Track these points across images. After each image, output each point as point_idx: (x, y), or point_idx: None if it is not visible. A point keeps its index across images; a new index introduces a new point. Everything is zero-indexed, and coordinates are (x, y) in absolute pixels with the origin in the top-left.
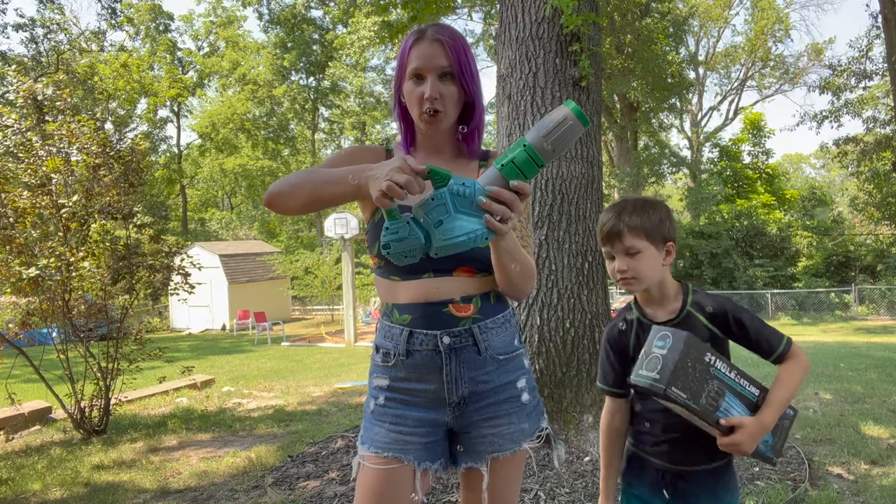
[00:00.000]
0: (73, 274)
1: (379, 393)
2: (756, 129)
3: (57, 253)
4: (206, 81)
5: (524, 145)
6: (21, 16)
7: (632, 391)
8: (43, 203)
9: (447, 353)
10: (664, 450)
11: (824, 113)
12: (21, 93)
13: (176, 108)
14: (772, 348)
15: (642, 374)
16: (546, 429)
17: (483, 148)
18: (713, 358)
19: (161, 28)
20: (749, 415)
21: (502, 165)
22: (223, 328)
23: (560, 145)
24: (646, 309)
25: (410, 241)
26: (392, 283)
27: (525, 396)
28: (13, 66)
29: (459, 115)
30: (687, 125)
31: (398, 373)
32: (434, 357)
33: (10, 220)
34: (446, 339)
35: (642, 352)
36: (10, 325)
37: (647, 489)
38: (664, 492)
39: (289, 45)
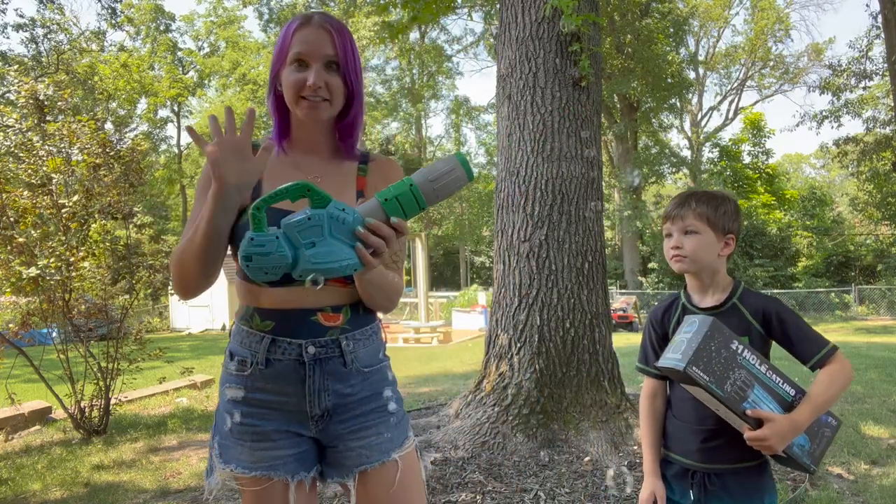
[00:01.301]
0: (74, 274)
1: (234, 408)
2: (756, 129)
3: (57, 253)
4: (206, 81)
5: (410, 185)
6: (21, 16)
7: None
8: (43, 203)
9: (311, 364)
10: (694, 447)
11: (824, 113)
12: (23, 93)
13: (176, 108)
14: (812, 352)
15: (668, 357)
16: (413, 439)
17: (360, 149)
18: (740, 347)
19: (162, 28)
20: (783, 413)
21: (385, 200)
22: (223, 328)
23: (444, 192)
24: (693, 295)
25: (276, 257)
26: (256, 287)
27: (392, 405)
28: (15, 67)
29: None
30: (687, 125)
31: (255, 383)
32: (297, 367)
33: (11, 220)
34: (311, 350)
35: (671, 339)
36: (10, 325)
37: (672, 490)
38: (690, 492)
39: None
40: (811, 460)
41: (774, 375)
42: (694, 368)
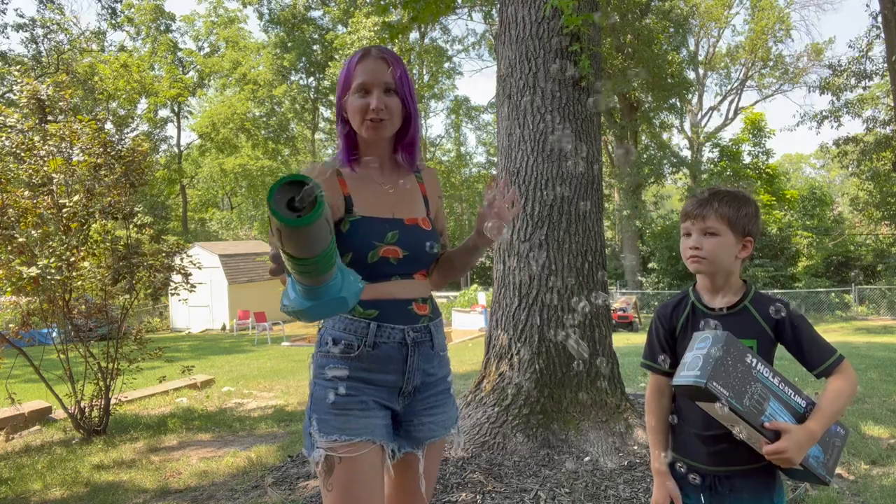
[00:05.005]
0: (74, 274)
1: (338, 384)
2: (756, 129)
3: (57, 253)
4: (206, 81)
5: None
6: (21, 16)
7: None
8: (44, 203)
9: (412, 347)
10: (702, 451)
11: (824, 113)
12: (25, 93)
13: (176, 108)
14: (822, 360)
15: (683, 374)
16: (458, 418)
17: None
18: (754, 360)
19: (162, 28)
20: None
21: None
22: (223, 328)
23: (290, 244)
24: (704, 295)
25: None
26: None
27: (451, 388)
28: (16, 67)
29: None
30: (687, 125)
31: (360, 363)
32: (400, 349)
33: (12, 219)
34: (412, 334)
35: (683, 357)
36: (11, 325)
37: (684, 494)
38: (701, 495)
39: (289, 45)
40: (826, 471)
41: (787, 388)
42: (714, 384)
